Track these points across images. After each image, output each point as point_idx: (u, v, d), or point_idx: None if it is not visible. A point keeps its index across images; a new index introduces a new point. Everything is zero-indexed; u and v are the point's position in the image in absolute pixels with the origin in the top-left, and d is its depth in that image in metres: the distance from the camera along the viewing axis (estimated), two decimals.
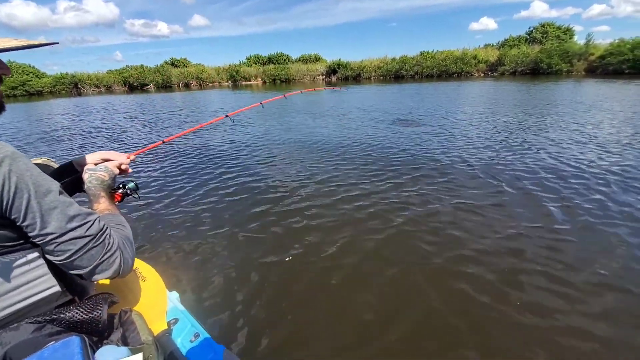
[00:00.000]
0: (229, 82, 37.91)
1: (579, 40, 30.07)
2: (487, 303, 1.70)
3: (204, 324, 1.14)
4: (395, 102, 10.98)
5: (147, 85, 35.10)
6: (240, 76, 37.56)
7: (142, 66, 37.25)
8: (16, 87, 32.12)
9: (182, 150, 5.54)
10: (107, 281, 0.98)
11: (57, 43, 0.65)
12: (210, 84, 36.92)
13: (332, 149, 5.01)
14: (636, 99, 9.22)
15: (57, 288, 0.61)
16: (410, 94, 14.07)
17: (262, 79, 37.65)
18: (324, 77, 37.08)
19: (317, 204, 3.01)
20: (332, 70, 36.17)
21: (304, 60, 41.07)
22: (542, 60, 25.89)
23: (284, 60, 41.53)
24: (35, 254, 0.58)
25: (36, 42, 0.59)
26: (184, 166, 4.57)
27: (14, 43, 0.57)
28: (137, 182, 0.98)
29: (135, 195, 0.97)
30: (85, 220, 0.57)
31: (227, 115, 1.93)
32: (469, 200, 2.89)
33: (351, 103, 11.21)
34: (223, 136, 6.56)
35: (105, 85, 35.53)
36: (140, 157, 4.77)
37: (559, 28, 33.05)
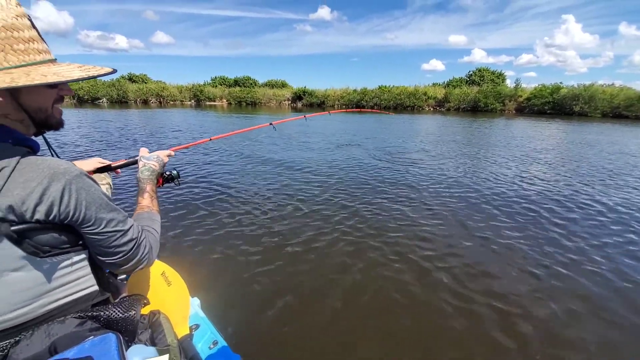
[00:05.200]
0: (192, 101, 37.05)
1: (510, 84, 35.36)
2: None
3: (222, 332, 1.18)
4: (372, 131, 11.75)
5: (100, 99, 32.84)
6: (204, 96, 36.99)
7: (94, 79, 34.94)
8: None
9: (211, 157, 5.63)
10: (137, 283, 1.04)
11: (116, 71, 0.70)
12: (172, 102, 35.69)
13: (338, 174, 5.27)
14: (556, 137, 11.04)
15: (96, 287, 0.69)
16: (373, 123, 15.14)
17: (227, 100, 37.45)
18: (289, 102, 38.10)
19: (352, 222, 3.14)
20: (297, 96, 37.38)
21: (271, 85, 42.01)
22: (479, 99, 29.72)
23: (251, 84, 42.05)
24: (81, 256, 0.66)
25: (97, 73, 0.64)
26: (213, 173, 4.62)
27: (76, 74, 0.62)
28: (179, 171, 1.13)
29: (176, 183, 1.12)
30: (127, 226, 0.69)
31: (271, 124, 2.04)
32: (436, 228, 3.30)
33: (319, 129, 11.71)
34: (258, 146, 6.59)
35: None
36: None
37: (493, 73, 38.46)
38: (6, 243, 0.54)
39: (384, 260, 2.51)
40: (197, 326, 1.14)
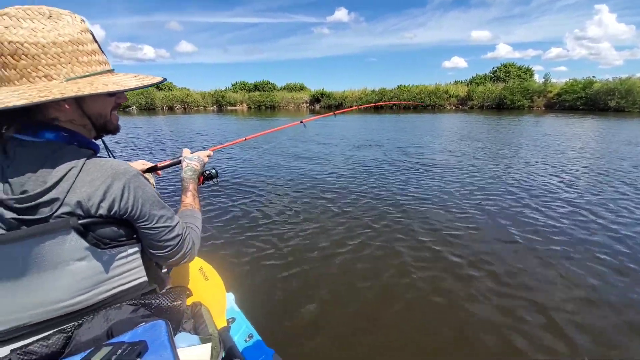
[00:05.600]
0: (214, 106, 38.32)
1: (538, 79, 33.58)
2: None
3: (255, 327, 1.22)
4: (389, 132, 11.63)
5: (130, 107, 34.78)
6: (225, 101, 38.15)
7: None
8: None
9: (244, 156, 5.97)
10: (178, 276, 1.11)
11: (166, 80, 0.76)
12: (195, 108, 37.11)
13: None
14: (592, 134, 10.33)
15: (145, 278, 0.74)
16: (392, 123, 14.94)
17: (247, 105, 38.40)
18: (308, 105, 38.42)
19: (381, 224, 3.14)
20: (315, 99, 37.60)
21: (289, 88, 42.57)
22: (505, 96, 28.43)
23: (270, 88, 42.85)
24: (134, 249, 0.71)
25: (151, 82, 0.69)
26: (246, 173, 4.89)
27: (133, 83, 0.67)
28: (218, 170, 1.21)
29: (215, 181, 1.20)
30: (174, 223, 0.76)
31: (301, 122, 2.13)
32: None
33: (342, 132, 11.74)
34: (288, 146, 6.92)
35: None
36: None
37: (519, 68, 36.69)
38: (73, 235, 0.61)
39: (418, 262, 2.47)
40: (233, 319, 1.18)
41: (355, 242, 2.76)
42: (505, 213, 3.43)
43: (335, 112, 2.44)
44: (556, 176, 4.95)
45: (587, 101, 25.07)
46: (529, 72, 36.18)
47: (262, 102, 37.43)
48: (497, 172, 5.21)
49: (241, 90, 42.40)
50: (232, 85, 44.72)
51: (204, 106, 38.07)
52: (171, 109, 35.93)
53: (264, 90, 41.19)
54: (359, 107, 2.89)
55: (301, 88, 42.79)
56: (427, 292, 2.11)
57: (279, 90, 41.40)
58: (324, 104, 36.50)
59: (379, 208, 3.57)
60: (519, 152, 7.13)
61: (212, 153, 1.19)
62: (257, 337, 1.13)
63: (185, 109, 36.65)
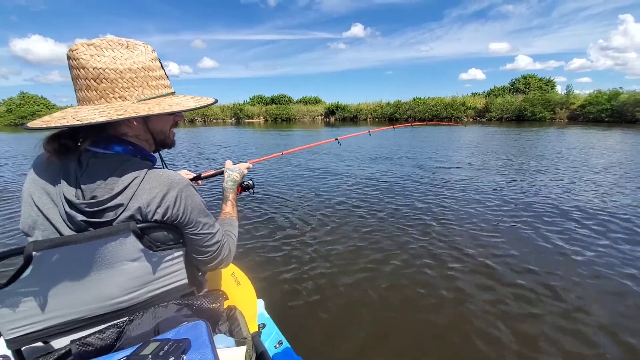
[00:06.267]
0: (232, 119, 39.61)
1: (561, 90, 32.62)
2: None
3: (284, 334, 1.24)
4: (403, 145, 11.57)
5: None
6: (243, 114, 39.43)
7: None
8: (25, 116, 33.31)
9: (280, 168, 6.23)
10: (212, 280, 1.15)
11: (217, 101, 0.82)
12: (215, 121, 38.50)
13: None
14: (620, 147, 9.81)
15: (186, 280, 0.78)
16: (409, 136, 14.85)
17: (264, 118, 39.46)
18: (323, 117, 38.96)
19: (410, 236, 3.11)
20: (330, 111, 38.12)
21: (305, 101, 43.47)
22: (526, 108, 27.71)
23: (286, 101, 43.92)
24: (180, 252, 0.75)
25: (206, 103, 0.77)
26: (277, 184, 5.08)
27: (192, 104, 0.74)
28: (255, 182, 1.29)
29: (251, 192, 1.28)
30: (215, 230, 0.82)
31: (336, 139, 2.18)
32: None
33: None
34: (325, 159, 7.11)
35: None
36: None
37: (540, 80, 35.87)
38: (132, 238, 0.67)
39: (457, 275, 2.40)
40: (264, 325, 1.20)
41: (386, 256, 2.71)
42: (541, 227, 3.30)
43: (371, 131, 2.46)
44: (585, 190, 4.74)
45: (613, 113, 23.97)
46: (550, 83, 35.34)
47: (279, 114, 38.39)
48: (528, 187, 5.05)
49: (258, 103, 43.71)
50: (250, 98, 46.20)
51: (223, 119, 39.44)
52: (192, 121, 37.43)
53: (280, 104, 42.26)
54: (395, 126, 2.87)
55: (317, 101, 43.60)
56: (457, 301, 2.08)
57: (295, 103, 42.36)
58: (339, 116, 36.93)
59: (411, 222, 3.50)
60: (549, 165, 6.86)
61: (251, 165, 1.27)
62: (286, 344, 1.15)
63: (205, 121, 38.10)
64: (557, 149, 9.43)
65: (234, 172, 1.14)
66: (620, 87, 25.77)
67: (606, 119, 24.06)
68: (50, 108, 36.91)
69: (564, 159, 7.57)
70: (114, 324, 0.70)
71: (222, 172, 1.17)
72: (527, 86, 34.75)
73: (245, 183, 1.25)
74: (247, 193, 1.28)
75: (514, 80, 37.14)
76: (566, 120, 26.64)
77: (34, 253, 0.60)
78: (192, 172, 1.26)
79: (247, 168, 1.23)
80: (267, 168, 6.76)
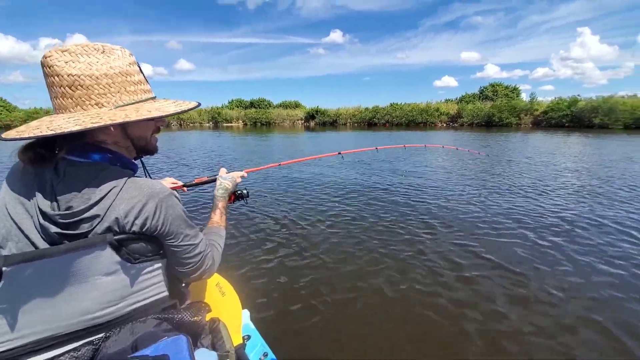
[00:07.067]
0: (210, 123, 38.68)
1: (526, 97, 34.95)
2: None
3: (270, 345, 1.20)
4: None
5: None
6: (222, 118, 38.63)
7: None
8: None
9: (273, 178, 6.13)
10: (196, 291, 1.11)
11: (200, 105, 0.79)
12: (191, 125, 37.38)
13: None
14: (577, 150, 10.71)
15: (167, 293, 0.76)
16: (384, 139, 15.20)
17: (243, 122, 38.88)
18: (303, 121, 39.05)
19: (397, 247, 3.04)
20: (310, 115, 38.30)
21: (285, 105, 43.41)
22: (494, 114, 29.45)
23: (266, 105, 43.63)
24: (159, 264, 0.73)
25: (187, 107, 0.75)
26: (273, 194, 4.98)
27: (172, 109, 0.73)
28: (249, 190, 1.26)
29: (245, 201, 1.24)
30: (198, 241, 0.80)
31: (339, 153, 2.16)
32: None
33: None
34: (321, 173, 6.90)
35: None
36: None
37: (507, 87, 38.25)
38: (108, 250, 0.65)
39: (438, 282, 2.42)
40: (249, 337, 1.16)
41: (376, 269, 2.66)
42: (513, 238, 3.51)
43: (378, 148, 2.58)
44: (543, 193, 5.10)
45: (573, 118, 26.15)
46: (515, 91, 37.76)
47: (258, 118, 37.99)
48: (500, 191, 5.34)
49: (237, 107, 43.05)
50: (229, 102, 45.45)
51: (200, 122, 38.41)
52: (167, 125, 36.04)
53: (260, 108, 41.88)
54: (405, 146, 3.04)
55: (296, 105, 43.68)
56: (454, 323, 2.00)
57: (274, 108, 42.15)
58: (319, 120, 37.18)
59: (397, 233, 3.45)
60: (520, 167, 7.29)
61: (245, 174, 1.25)
62: (271, 355, 1.12)
63: (181, 125, 36.90)
64: (526, 153, 10.07)
65: (226, 180, 1.12)
66: (579, 95, 28.24)
67: (567, 124, 26.17)
68: (11, 110, 34.28)
69: (532, 163, 8.07)
70: (89, 341, 0.67)
71: (214, 180, 1.16)
72: (495, 94, 36.91)
73: (239, 192, 1.23)
74: (242, 202, 1.26)
75: (482, 88, 39.32)
76: (530, 125, 28.59)
77: (4, 268, 0.57)
78: (179, 179, 1.23)
79: (241, 177, 1.21)
80: (254, 177, 6.61)
